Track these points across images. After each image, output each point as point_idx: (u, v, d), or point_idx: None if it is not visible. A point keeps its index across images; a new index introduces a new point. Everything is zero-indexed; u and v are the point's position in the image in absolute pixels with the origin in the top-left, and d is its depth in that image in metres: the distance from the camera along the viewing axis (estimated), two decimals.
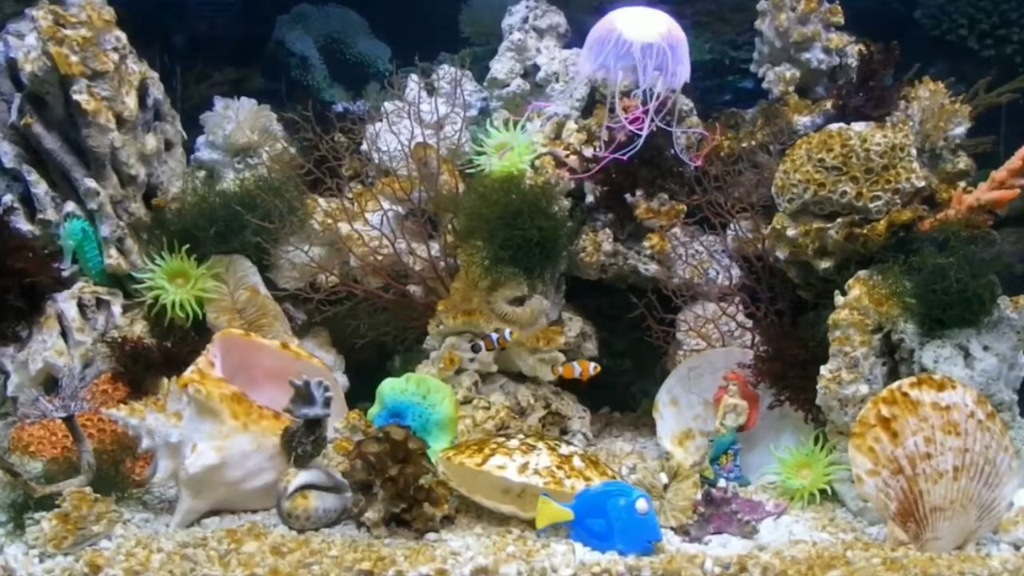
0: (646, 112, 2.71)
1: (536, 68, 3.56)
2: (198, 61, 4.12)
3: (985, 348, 2.52)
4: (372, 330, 3.23)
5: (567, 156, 3.28)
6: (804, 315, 2.92)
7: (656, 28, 2.63)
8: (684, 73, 2.67)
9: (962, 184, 2.89)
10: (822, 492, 2.63)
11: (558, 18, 3.62)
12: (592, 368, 2.98)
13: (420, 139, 3.24)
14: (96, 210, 3.13)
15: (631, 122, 2.79)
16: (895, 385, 2.33)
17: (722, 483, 2.67)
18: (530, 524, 2.37)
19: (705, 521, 2.40)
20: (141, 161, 3.26)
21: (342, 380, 3.18)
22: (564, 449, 2.50)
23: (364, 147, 3.40)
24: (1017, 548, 2.25)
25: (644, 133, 2.76)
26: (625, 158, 2.87)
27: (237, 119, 3.44)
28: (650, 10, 2.70)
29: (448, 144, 3.32)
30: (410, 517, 2.34)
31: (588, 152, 3.24)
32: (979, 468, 2.26)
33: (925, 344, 2.55)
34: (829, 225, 2.74)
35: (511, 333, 2.93)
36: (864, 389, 2.55)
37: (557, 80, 3.52)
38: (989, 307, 2.52)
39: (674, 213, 3.19)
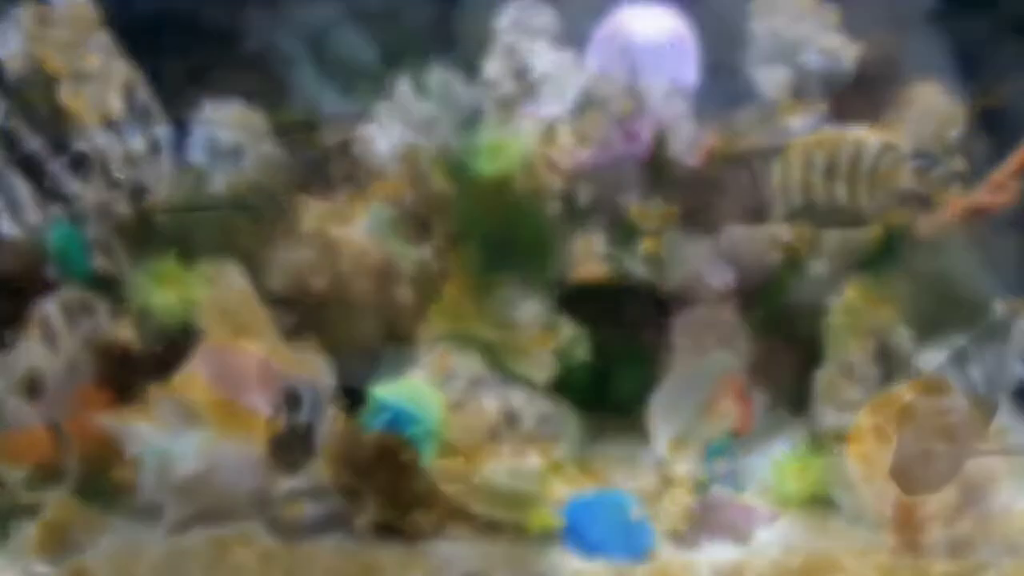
0: None
1: (528, 69, 3.54)
2: (186, 62, 4.10)
3: (980, 352, 2.51)
4: (362, 335, 3.20)
5: (560, 159, 3.26)
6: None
7: (663, 28, 2.60)
8: (691, 75, 2.65)
9: (957, 187, 2.89)
10: (817, 498, 2.61)
11: (550, 19, 3.60)
12: None
13: (411, 141, 3.22)
14: (81, 213, 3.10)
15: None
16: (890, 390, 2.32)
17: (716, 489, 2.65)
18: (522, 531, 2.34)
19: (699, 527, 2.39)
20: (127, 163, 3.22)
21: (331, 385, 3.15)
22: (557, 455, 2.48)
23: (354, 149, 3.38)
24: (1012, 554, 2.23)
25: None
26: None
27: (225, 121, 3.41)
28: (657, 10, 2.68)
29: (439, 146, 3.30)
30: (400, 524, 2.32)
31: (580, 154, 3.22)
32: (974, 473, 2.24)
33: (920, 348, 2.54)
34: (823, 228, 2.73)
35: None
36: (859, 394, 2.54)
37: (550, 82, 3.50)
38: (984, 311, 2.51)
39: (667, 216, 3.18)
